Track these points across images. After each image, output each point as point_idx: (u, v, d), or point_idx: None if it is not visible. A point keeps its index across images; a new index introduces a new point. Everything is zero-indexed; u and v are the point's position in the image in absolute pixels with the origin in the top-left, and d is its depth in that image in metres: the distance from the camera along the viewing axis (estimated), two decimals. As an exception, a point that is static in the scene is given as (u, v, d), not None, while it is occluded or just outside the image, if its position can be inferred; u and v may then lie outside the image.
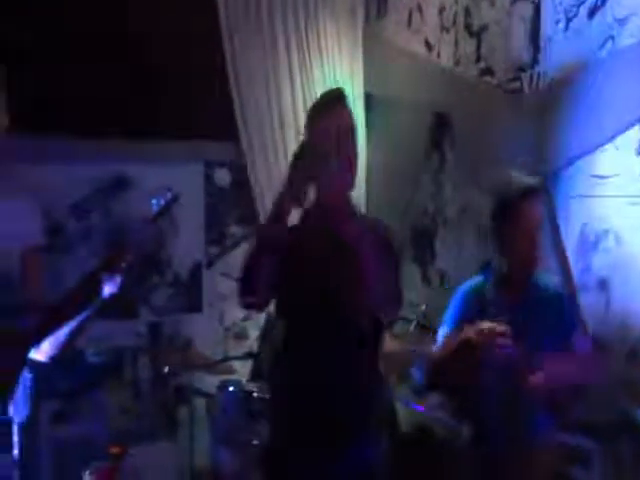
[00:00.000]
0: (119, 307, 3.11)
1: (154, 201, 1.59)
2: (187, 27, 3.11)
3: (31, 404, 1.93)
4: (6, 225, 1.79)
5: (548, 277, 1.96)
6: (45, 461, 2.02)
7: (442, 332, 1.93)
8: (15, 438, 1.73)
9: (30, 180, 2.01)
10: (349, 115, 1.76)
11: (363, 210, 3.20)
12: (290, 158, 1.71)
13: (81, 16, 2.96)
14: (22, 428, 1.78)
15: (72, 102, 2.96)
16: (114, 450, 2.19)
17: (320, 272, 1.69)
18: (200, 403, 2.94)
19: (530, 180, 1.91)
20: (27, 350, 1.50)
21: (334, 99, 1.77)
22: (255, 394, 2.72)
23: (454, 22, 3.02)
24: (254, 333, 3.42)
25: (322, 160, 1.67)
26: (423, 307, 3.03)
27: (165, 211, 1.60)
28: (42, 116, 2.82)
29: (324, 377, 1.70)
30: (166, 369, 2.86)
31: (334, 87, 1.90)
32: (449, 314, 1.95)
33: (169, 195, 1.60)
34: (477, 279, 1.95)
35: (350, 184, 1.76)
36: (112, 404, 3.00)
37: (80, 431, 2.37)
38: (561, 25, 2.54)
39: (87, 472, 2.11)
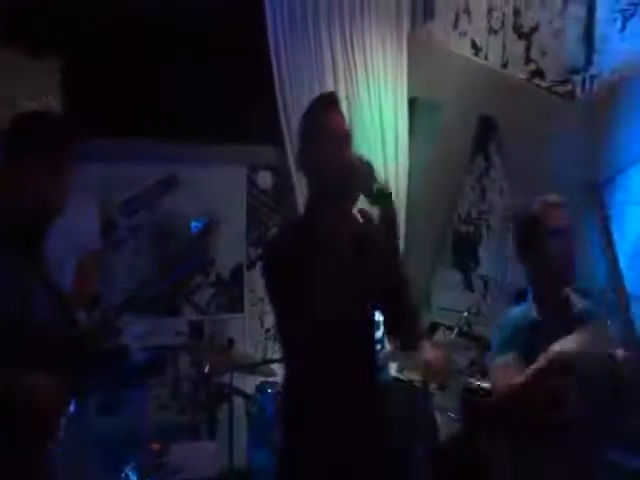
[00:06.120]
0: (162, 305, 3.18)
1: (194, 224, 1.65)
2: (235, 29, 3.15)
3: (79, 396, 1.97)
4: (67, 229, 1.84)
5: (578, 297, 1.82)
6: (89, 452, 2.06)
7: (498, 362, 1.79)
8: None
9: (86, 179, 2.05)
10: (344, 120, 1.70)
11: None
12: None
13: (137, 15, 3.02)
14: (70, 418, 1.81)
15: (125, 102, 3.03)
16: (155, 446, 2.21)
17: (332, 286, 1.59)
18: (239, 403, 2.94)
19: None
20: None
21: (329, 104, 1.70)
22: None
23: (502, 24, 2.96)
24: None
25: (320, 168, 1.62)
26: (465, 314, 2.96)
27: (205, 234, 1.65)
28: (95, 115, 2.88)
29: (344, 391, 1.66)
30: (206, 368, 2.87)
31: (326, 92, 1.85)
32: (500, 342, 1.81)
33: (207, 220, 1.66)
34: (518, 309, 1.84)
35: (352, 192, 1.65)
36: (153, 400, 3.04)
37: (122, 425, 2.41)
38: (617, 25, 2.46)
39: (129, 466, 2.13)
